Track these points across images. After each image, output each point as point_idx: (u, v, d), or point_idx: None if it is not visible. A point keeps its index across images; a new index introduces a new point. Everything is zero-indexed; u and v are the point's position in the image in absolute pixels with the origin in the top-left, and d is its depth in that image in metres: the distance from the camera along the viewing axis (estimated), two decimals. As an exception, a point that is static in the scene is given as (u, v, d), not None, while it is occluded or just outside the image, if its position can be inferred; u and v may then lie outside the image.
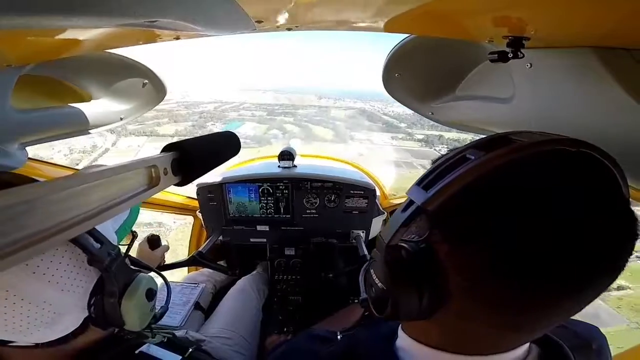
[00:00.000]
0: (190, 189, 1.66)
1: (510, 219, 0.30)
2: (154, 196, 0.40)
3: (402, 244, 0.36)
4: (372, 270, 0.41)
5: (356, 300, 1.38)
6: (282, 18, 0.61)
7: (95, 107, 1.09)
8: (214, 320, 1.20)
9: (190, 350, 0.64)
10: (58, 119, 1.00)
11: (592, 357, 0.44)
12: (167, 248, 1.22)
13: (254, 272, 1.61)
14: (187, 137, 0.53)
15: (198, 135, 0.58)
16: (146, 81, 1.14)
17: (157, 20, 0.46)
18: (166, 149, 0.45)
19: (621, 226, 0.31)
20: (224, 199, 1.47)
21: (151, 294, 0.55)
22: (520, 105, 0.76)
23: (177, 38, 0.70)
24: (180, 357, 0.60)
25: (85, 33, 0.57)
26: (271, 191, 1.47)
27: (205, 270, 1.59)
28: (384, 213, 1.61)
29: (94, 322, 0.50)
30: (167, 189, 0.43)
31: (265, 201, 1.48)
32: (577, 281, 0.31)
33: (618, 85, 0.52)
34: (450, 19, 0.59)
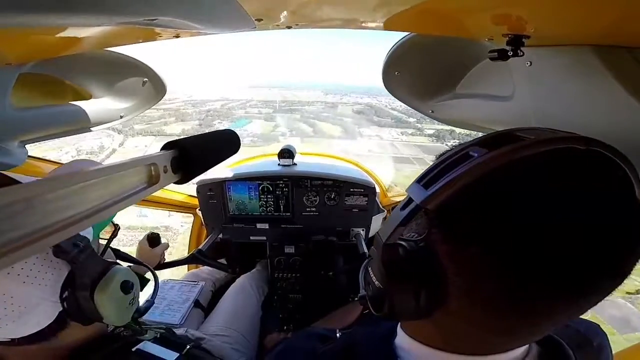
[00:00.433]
0: (191, 187, 1.66)
1: (513, 220, 0.29)
2: (155, 194, 0.40)
3: (400, 243, 0.35)
4: (369, 269, 0.40)
5: (356, 299, 1.38)
6: (281, 16, 0.61)
7: (94, 105, 1.09)
8: (214, 318, 1.20)
9: (188, 347, 0.63)
10: (58, 117, 1.00)
11: (592, 355, 0.43)
12: (166, 246, 1.22)
13: (254, 270, 1.62)
14: (191, 136, 0.53)
15: (205, 133, 0.57)
16: (146, 79, 1.14)
17: (157, 19, 0.46)
18: (166, 147, 0.44)
19: (632, 230, 0.29)
20: (224, 197, 1.47)
21: (127, 286, 0.53)
22: (520, 103, 0.76)
23: (177, 36, 0.70)
24: (178, 354, 0.60)
25: (84, 31, 0.57)
26: (271, 189, 1.47)
27: (205, 268, 1.60)
28: (383, 211, 1.61)
29: (70, 316, 0.49)
30: (168, 187, 0.43)
31: (265, 199, 1.49)
32: (582, 287, 0.29)
33: (618, 83, 0.51)
34: (450, 17, 0.59)
